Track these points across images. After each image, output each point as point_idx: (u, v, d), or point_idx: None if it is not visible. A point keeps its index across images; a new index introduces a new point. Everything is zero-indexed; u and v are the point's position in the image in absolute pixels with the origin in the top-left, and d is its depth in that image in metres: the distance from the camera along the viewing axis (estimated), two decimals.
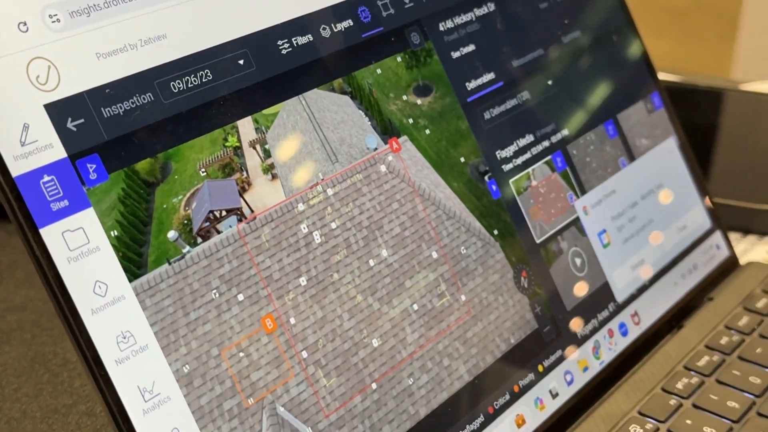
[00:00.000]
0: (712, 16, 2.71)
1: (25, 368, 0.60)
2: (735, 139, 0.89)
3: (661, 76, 0.99)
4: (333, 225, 0.46)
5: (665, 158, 0.65)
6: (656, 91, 0.66)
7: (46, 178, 0.36)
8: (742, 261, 0.69)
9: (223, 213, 0.43)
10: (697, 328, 0.60)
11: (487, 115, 0.54)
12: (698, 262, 0.64)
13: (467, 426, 0.47)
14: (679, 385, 0.53)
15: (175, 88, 0.41)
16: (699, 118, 0.89)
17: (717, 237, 0.66)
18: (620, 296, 0.58)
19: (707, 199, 0.67)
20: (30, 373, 0.59)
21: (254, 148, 0.44)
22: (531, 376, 0.51)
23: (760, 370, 0.54)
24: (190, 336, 0.39)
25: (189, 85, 0.42)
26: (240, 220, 0.43)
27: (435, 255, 0.49)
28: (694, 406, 0.52)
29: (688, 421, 0.50)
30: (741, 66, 2.20)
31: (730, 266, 0.67)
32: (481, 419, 0.48)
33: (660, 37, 3.01)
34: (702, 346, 0.57)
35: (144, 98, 0.39)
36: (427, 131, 0.51)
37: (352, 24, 0.49)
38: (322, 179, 0.47)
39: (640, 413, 0.51)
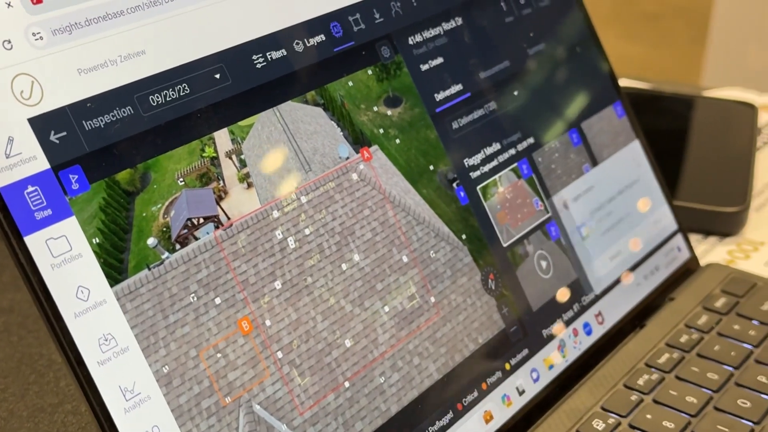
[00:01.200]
0: (684, 20, 2.71)
1: (12, 369, 0.60)
2: (697, 143, 0.90)
3: (628, 83, 1.01)
4: (307, 231, 0.46)
5: (628, 164, 0.66)
6: (619, 100, 0.67)
7: (30, 189, 0.36)
8: (703, 262, 0.70)
9: (201, 220, 0.43)
10: (658, 327, 0.61)
11: (455, 125, 0.55)
12: (660, 263, 0.65)
13: (437, 422, 0.48)
14: (641, 382, 0.54)
15: (153, 102, 0.42)
16: (664, 123, 0.91)
17: (678, 239, 0.67)
18: (598, 288, 0.60)
19: (669, 202, 0.68)
20: (17, 374, 0.60)
21: (230, 158, 0.45)
22: (498, 374, 0.52)
23: (718, 366, 0.55)
24: (170, 338, 0.40)
25: (167, 99, 0.42)
26: (217, 227, 0.43)
27: (405, 259, 0.50)
28: (655, 401, 0.53)
29: (649, 416, 0.51)
30: (711, 70, 2.22)
31: (690, 267, 0.68)
32: (450, 415, 0.49)
33: (634, 42, 3.01)
34: (663, 344, 0.58)
35: (124, 111, 0.40)
36: (398, 141, 0.51)
37: (324, 39, 0.50)
38: (296, 187, 0.47)
39: (603, 408, 0.52)
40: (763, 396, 0.53)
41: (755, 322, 0.62)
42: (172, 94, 0.43)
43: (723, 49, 2.16)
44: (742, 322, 0.62)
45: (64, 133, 0.38)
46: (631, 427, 0.51)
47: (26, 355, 0.61)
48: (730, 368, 0.56)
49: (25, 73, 0.38)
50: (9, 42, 0.37)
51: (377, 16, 0.53)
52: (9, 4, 0.38)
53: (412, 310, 0.50)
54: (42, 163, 0.37)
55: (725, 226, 0.78)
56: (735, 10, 2.14)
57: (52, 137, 0.37)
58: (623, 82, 0.97)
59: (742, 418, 0.52)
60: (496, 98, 0.58)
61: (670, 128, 0.91)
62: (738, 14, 2.14)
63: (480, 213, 0.54)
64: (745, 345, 0.59)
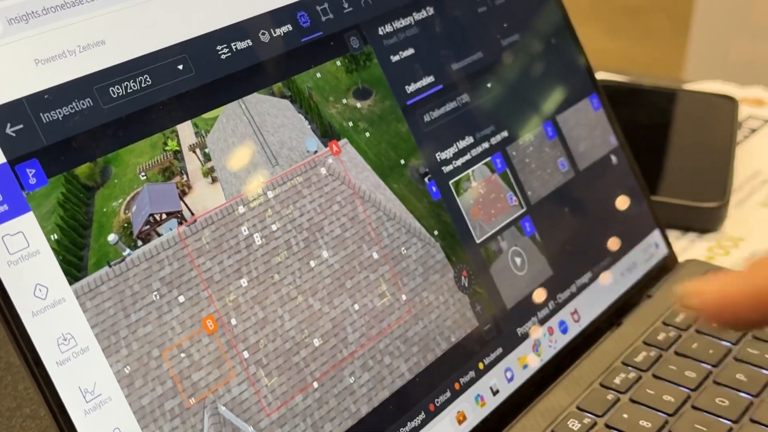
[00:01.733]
0: (666, 14, 2.73)
1: None
2: (677, 137, 0.92)
3: (606, 76, 1.01)
4: (273, 227, 0.47)
5: (604, 158, 0.67)
6: (595, 92, 0.68)
7: None
8: (682, 258, 0.71)
9: (164, 216, 0.44)
10: (635, 325, 0.62)
11: (426, 118, 0.55)
12: (637, 260, 0.66)
13: (408, 423, 0.48)
14: (617, 381, 0.55)
15: (114, 94, 0.42)
16: (642, 117, 0.92)
17: (656, 235, 0.68)
18: (574, 285, 0.61)
19: (646, 197, 0.69)
20: None
21: (194, 151, 0.46)
22: (472, 374, 0.53)
23: (696, 364, 0.56)
24: (131, 337, 0.40)
25: (128, 91, 0.43)
26: (180, 223, 0.44)
27: (376, 256, 0.51)
28: (632, 400, 0.54)
29: (625, 415, 0.52)
30: (693, 63, 2.25)
31: (669, 264, 0.69)
32: (422, 416, 0.49)
33: (616, 35, 3.04)
34: (640, 343, 0.59)
35: (83, 104, 0.40)
36: (367, 134, 0.52)
37: (291, 29, 0.50)
38: (263, 182, 0.48)
39: (579, 408, 0.53)
40: (741, 394, 0.54)
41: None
42: (133, 86, 0.43)
43: (705, 43, 2.18)
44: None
45: (21, 126, 0.38)
46: (608, 426, 0.52)
47: None
48: (708, 366, 0.57)
49: None
50: None
51: (346, 5, 0.53)
52: None
53: (383, 308, 0.50)
54: None
55: (705, 222, 0.79)
56: (717, 2, 2.16)
57: (9, 130, 0.38)
58: (602, 75, 1.00)
59: (720, 417, 0.53)
60: (468, 90, 0.59)
61: (648, 122, 0.92)
62: (720, 7, 2.16)
63: (452, 208, 0.55)
64: (724, 343, 0.60)
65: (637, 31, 3.03)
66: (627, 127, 0.72)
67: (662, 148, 0.88)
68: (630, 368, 0.57)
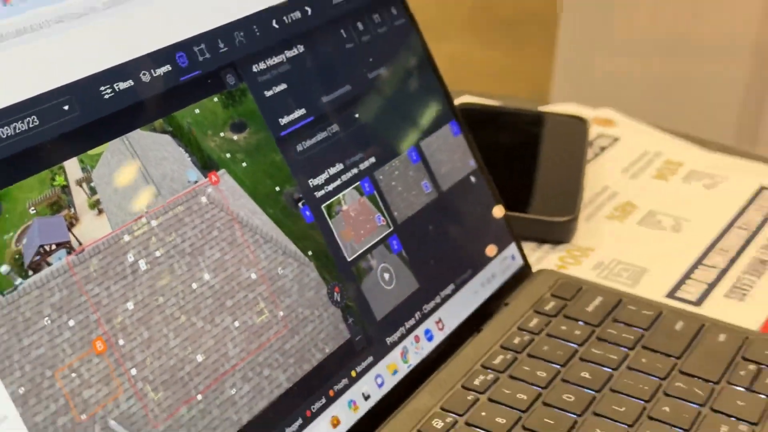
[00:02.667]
0: (538, 26, 2.75)
1: None
2: (532, 157, 0.94)
3: (471, 99, 1.03)
4: (157, 253, 0.48)
5: (464, 179, 0.70)
6: (454, 119, 0.70)
7: None
8: (537, 268, 0.73)
9: (53, 247, 0.44)
10: (493, 331, 0.64)
11: (299, 148, 0.57)
12: (496, 271, 0.69)
13: (286, 429, 0.50)
14: (477, 382, 0.58)
15: (3, 134, 0.43)
16: (501, 138, 0.94)
17: (512, 248, 0.71)
18: (438, 297, 0.63)
19: (503, 214, 0.71)
20: None
21: (81, 186, 0.46)
22: (345, 381, 0.55)
23: (547, 365, 0.60)
24: (24, 360, 0.41)
25: (16, 131, 0.43)
26: (69, 253, 0.45)
27: (254, 276, 0.52)
28: (489, 399, 0.57)
29: (483, 413, 0.55)
30: (559, 77, 2.24)
31: (524, 274, 0.72)
32: (299, 422, 0.51)
33: (491, 48, 3.06)
34: (497, 347, 0.62)
35: None
36: (244, 164, 0.54)
37: (170, 69, 0.51)
38: (146, 212, 0.49)
39: (442, 409, 0.56)
40: (585, 390, 0.58)
41: (581, 323, 0.66)
42: (21, 127, 0.44)
43: (570, 57, 2.19)
44: (569, 323, 0.66)
45: None
46: (468, 424, 0.55)
47: None
48: (557, 366, 0.60)
49: None
50: None
51: (222, 45, 0.55)
52: None
53: (262, 325, 0.52)
54: None
55: (557, 234, 0.82)
56: (581, 17, 2.16)
57: None
58: (466, 99, 1.01)
59: (567, 411, 0.57)
60: (338, 121, 0.61)
61: (508, 143, 0.94)
62: (583, 22, 2.15)
63: (325, 230, 0.57)
64: (571, 344, 0.63)
65: (511, 43, 3.05)
66: (488, 149, 0.73)
67: (520, 167, 0.90)
68: (488, 370, 0.60)
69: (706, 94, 2.03)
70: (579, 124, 0.97)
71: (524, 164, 0.91)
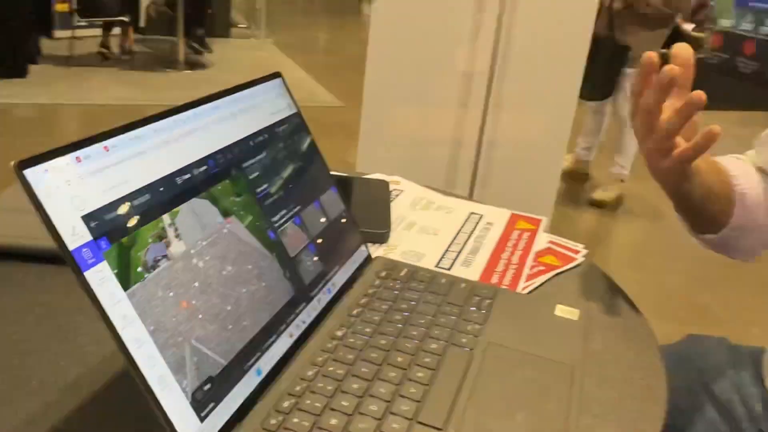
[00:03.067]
0: (344, 131, 2.56)
1: None
2: (365, 200, 0.92)
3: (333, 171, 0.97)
4: (207, 257, 0.51)
5: (340, 215, 0.73)
6: (334, 186, 0.73)
7: None
8: (374, 256, 0.75)
9: (159, 257, 0.46)
10: (351, 297, 0.70)
11: (266, 202, 0.60)
12: (356, 257, 0.73)
13: (272, 335, 0.54)
14: (339, 333, 0.65)
15: (135, 203, 0.46)
16: (351, 194, 0.93)
17: (363, 247, 0.74)
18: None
19: (358, 230, 0.74)
20: None
21: (171, 227, 0.48)
22: (293, 316, 0.58)
23: (382, 302, 0.67)
24: (152, 311, 0.44)
25: (140, 201, 0.46)
26: (168, 260, 0.47)
27: (250, 266, 0.55)
28: (348, 342, 0.63)
29: (351, 339, 0.62)
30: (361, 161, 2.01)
31: (368, 258, 0.74)
32: (275, 334, 0.55)
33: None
34: (358, 297, 0.68)
35: None
36: (242, 212, 0.57)
37: (206, 167, 0.54)
38: (201, 237, 0.51)
39: (331, 338, 0.60)
40: (404, 314, 0.63)
41: (398, 282, 0.69)
42: (143, 199, 0.46)
43: (366, 151, 1.97)
44: (392, 282, 0.70)
45: None
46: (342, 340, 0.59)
47: None
48: (390, 302, 0.65)
49: None
50: None
51: (228, 155, 0.57)
52: None
53: (256, 289, 0.55)
54: None
55: (380, 238, 0.84)
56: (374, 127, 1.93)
57: None
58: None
59: (392, 332, 0.61)
60: (285, 188, 0.63)
61: (349, 193, 0.94)
62: (375, 131, 1.92)
63: (280, 243, 0.60)
64: (395, 292, 0.67)
65: (329, 143, 2.79)
66: (346, 198, 0.75)
67: (358, 205, 0.85)
68: (353, 317, 0.63)
69: (443, 168, 2.10)
70: (383, 183, 0.99)
71: (360, 203, 0.88)
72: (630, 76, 3.44)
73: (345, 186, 0.91)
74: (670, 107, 0.52)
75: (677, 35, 6.06)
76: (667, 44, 5.47)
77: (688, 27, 6.59)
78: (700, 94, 0.50)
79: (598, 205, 3.61)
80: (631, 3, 3.27)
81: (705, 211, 0.68)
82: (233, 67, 5.87)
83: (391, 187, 0.99)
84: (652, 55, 0.52)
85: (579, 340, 0.64)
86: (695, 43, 6.61)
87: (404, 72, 1.88)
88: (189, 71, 5.50)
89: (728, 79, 7.22)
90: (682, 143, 0.54)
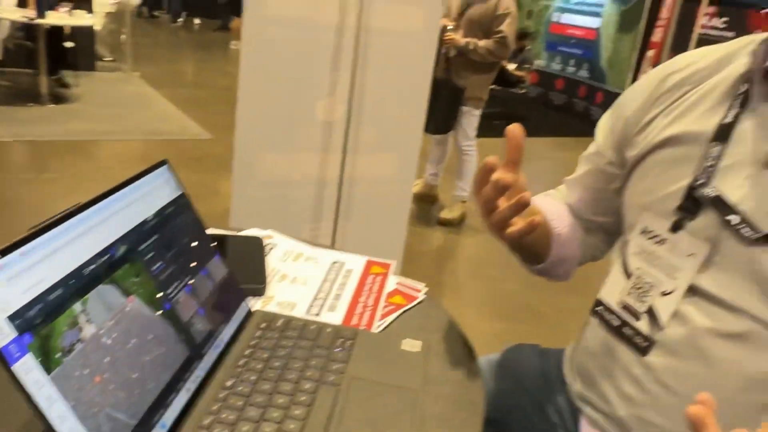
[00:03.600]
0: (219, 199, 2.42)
1: None
2: (240, 258, 0.91)
3: (212, 231, 1.00)
4: (114, 333, 0.54)
5: (226, 276, 0.77)
6: (217, 253, 0.76)
7: None
8: (254, 309, 0.78)
9: (75, 342, 0.49)
10: (239, 344, 0.75)
11: (160, 278, 0.64)
12: (239, 312, 0.76)
13: (173, 393, 0.59)
14: (229, 382, 0.70)
15: (50, 298, 0.48)
16: (227, 252, 0.90)
17: (245, 302, 0.77)
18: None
19: (238, 288, 0.77)
20: None
21: (83, 313, 0.51)
22: (189, 373, 0.62)
23: (264, 351, 0.73)
24: (72, 386, 0.47)
25: (52, 297, 0.49)
26: (81, 342, 0.50)
27: (151, 336, 0.59)
28: (241, 380, 0.68)
29: (241, 385, 0.66)
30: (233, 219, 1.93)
31: (249, 314, 0.77)
32: (175, 392, 0.60)
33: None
34: (243, 347, 0.73)
35: None
36: (141, 290, 0.61)
37: (109, 255, 0.59)
38: (110, 317, 0.54)
39: (222, 388, 0.64)
40: (281, 359, 0.71)
41: (276, 333, 0.74)
42: (55, 293, 0.49)
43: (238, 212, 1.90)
44: (272, 334, 0.74)
45: None
46: (231, 389, 0.65)
47: None
48: (269, 351, 0.70)
49: None
50: None
51: (126, 242, 0.61)
52: None
53: (158, 353, 0.59)
54: None
55: (257, 292, 0.86)
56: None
57: None
58: (210, 231, 0.90)
59: (273, 369, 0.68)
60: (174, 261, 0.66)
61: (233, 253, 0.92)
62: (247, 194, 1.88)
63: (173, 311, 0.65)
64: (273, 340, 0.71)
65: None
66: (228, 260, 0.77)
67: (237, 263, 0.85)
68: (239, 367, 0.67)
69: (310, 204, 2.12)
70: (257, 239, 1.00)
71: (240, 260, 0.90)
72: (466, 113, 3.74)
73: (225, 245, 0.95)
74: (506, 176, 0.57)
75: (503, 74, 6.63)
76: (496, 82, 5.92)
77: (512, 67, 7.23)
78: (526, 197, 0.56)
79: (445, 223, 3.88)
80: (464, 52, 3.56)
81: (530, 251, 0.79)
82: (101, 100, 5.53)
83: (265, 241, 1.02)
84: (490, 160, 0.58)
85: (420, 368, 0.73)
86: (518, 80, 7.26)
87: (272, 122, 1.94)
88: (53, 105, 5.12)
89: (544, 109, 8.01)
90: (518, 221, 0.60)
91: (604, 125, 0.82)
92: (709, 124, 0.67)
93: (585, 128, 4.54)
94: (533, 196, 0.69)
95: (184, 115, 5.42)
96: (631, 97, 0.77)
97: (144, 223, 0.66)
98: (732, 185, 0.63)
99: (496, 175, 0.56)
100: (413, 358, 0.74)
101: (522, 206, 0.59)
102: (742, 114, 0.65)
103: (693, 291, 0.63)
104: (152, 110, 5.45)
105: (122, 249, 0.61)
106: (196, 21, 12.56)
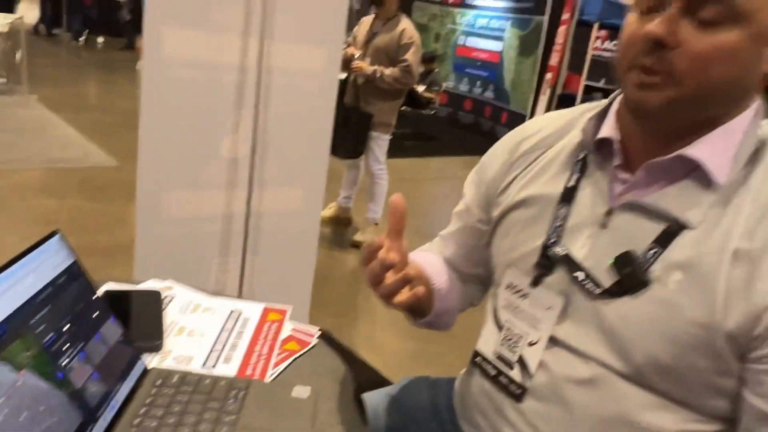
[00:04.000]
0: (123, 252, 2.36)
1: None
2: (140, 316, 0.90)
3: (112, 285, 1.01)
4: (6, 407, 0.56)
5: (119, 339, 0.79)
6: (113, 316, 0.79)
7: None
8: (150, 367, 0.80)
9: None
10: (139, 396, 0.76)
11: (53, 348, 0.66)
12: (135, 371, 0.78)
13: None
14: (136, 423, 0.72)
15: None
16: (116, 304, 0.82)
17: (141, 361, 0.79)
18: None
19: (133, 346, 0.78)
20: None
21: None
22: None
23: (161, 407, 0.75)
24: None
25: None
26: None
27: (42, 408, 0.60)
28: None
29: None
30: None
31: (146, 370, 0.78)
32: None
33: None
34: (139, 405, 0.74)
35: None
36: (32, 363, 0.63)
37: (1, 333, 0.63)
38: (7, 390, 0.56)
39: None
40: (176, 414, 0.72)
41: (171, 389, 0.76)
42: None
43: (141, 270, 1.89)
44: (168, 390, 0.76)
45: None
46: None
47: None
48: (164, 407, 0.73)
49: None
50: None
51: (19, 318, 0.63)
52: None
53: (49, 425, 0.61)
54: None
55: (155, 348, 0.86)
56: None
57: None
58: (111, 285, 1.01)
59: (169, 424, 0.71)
60: (66, 330, 0.68)
61: (129, 310, 0.90)
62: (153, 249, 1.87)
63: (67, 379, 0.67)
64: (168, 396, 0.74)
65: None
66: (123, 318, 0.78)
67: (134, 319, 0.88)
68: (135, 428, 0.69)
69: (217, 240, 2.11)
70: (155, 293, 0.99)
71: (136, 317, 0.89)
72: (375, 138, 3.86)
73: (122, 302, 0.94)
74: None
75: (413, 95, 6.85)
76: (406, 103, 6.02)
77: (421, 89, 7.48)
78: (409, 275, 0.61)
79: (358, 245, 3.97)
80: (371, 80, 3.69)
81: (415, 309, 0.83)
82: None
83: (164, 293, 1.02)
84: (376, 240, 0.62)
85: (309, 414, 0.76)
86: (427, 101, 7.51)
87: (176, 160, 1.95)
88: None
89: (453, 129, 8.33)
90: (404, 292, 0.64)
91: (471, 183, 0.87)
92: (557, 187, 0.73)
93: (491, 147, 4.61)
94: (411, 252, 0.79)
95: (87, 141, 5.19)
96: (489, 163, 0.84)
97: (37, 295, 0.67)
98: (577, 244, 0.69)
99: (382, 254, 0.62)
100: (302, 405, 0.77)
101: (406, 282, 0.65)
102: (582, 179, 0.72)
103: (553, 341, 0.68)
104: (52, 136, 5.17)
105: (14, 324, 0.62)
106: (99, 39, 12.03)
